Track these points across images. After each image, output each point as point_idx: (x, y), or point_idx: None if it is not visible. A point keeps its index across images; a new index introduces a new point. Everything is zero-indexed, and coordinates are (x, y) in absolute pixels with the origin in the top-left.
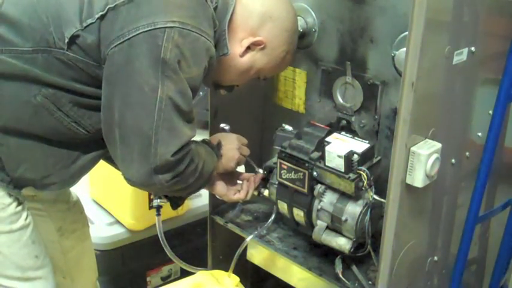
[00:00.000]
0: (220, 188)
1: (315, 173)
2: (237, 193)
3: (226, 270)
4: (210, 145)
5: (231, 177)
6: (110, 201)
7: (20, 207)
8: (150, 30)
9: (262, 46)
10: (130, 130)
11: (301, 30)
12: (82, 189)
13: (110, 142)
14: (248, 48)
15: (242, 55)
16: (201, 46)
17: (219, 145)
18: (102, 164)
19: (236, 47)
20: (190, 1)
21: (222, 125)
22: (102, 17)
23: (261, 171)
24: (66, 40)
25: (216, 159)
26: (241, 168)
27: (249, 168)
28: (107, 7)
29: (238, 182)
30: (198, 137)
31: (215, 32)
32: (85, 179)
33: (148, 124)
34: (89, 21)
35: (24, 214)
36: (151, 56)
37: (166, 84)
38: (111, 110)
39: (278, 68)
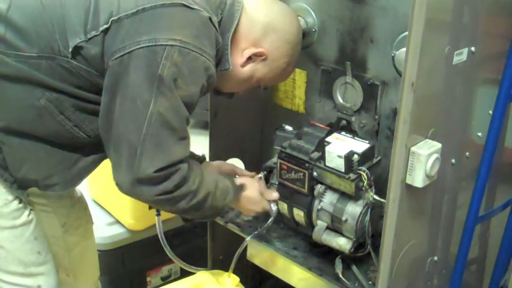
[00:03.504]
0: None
1: (315, 173)
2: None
3: (226, 270)
4: (232, 182)
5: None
6: (110, 201)
7: (22, 204)
8: (151, 46)
9: (263, 57)
10: (121, 138)
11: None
12: (82, 189)
13: (106, 145)
14: (249, 59)
15: (243, 65)
16: (200, 65)
17: (241, 186)
18: (101, 164)
19: (237, 57)
20: (194, 20)
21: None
22: (106, 30)
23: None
24: (70, 49)
25: (232, 198)
26: (240, 165)
27: (248, 168)
28: (111, 19)
29: None
30: (198, 137)
31: (218, 49)
32: (85, 179)
33: (136, 136)
34: (93, 33)
35: (27, 210)
36: (149, 71)
37: (160, 100)
38: (108, 116)
39: (279, 79)
